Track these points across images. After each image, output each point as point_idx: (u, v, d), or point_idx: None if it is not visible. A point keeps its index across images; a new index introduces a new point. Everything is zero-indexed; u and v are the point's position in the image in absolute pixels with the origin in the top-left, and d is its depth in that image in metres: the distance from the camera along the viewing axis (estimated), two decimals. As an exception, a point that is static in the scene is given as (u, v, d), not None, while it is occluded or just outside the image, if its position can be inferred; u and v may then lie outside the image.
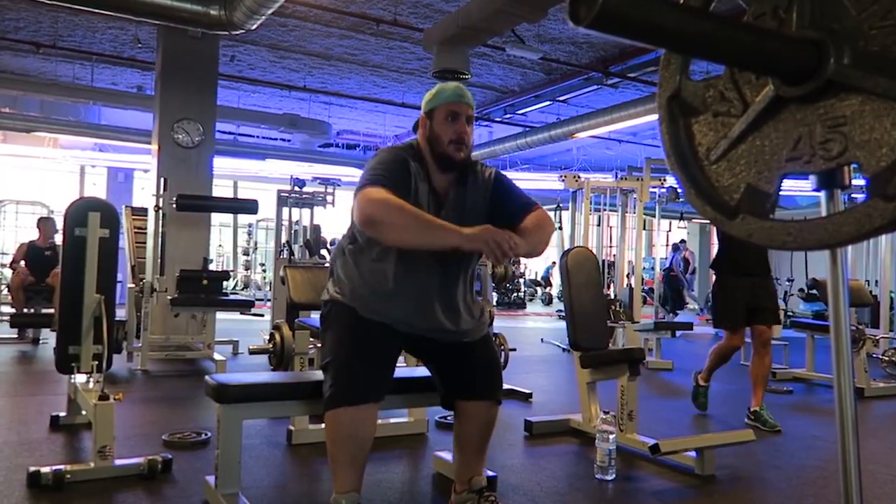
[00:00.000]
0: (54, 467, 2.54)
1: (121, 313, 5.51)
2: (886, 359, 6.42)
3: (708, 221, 1.18)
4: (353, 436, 2.04)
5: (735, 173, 1.05)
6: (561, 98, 9.79)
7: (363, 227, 2.06)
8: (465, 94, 2.22)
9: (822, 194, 1.02)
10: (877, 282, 9.28)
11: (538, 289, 17.48)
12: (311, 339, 3.65)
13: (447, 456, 2.85)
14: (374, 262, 2.18)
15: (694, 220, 14.97)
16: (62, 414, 3.41)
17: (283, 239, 7.52)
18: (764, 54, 0.93)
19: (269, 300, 9.05)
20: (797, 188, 10.78)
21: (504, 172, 2.37)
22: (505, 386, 4.58)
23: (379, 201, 1.99)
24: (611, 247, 9.26)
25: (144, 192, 11.52)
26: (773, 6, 1.01)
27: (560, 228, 13.87)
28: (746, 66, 1.01)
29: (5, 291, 8.00)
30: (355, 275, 2.20)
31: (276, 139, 12.79)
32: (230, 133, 12.22)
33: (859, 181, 0.96)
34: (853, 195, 6.43)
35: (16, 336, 6.57)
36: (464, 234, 1.92)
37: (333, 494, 2.09)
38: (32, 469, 2.52)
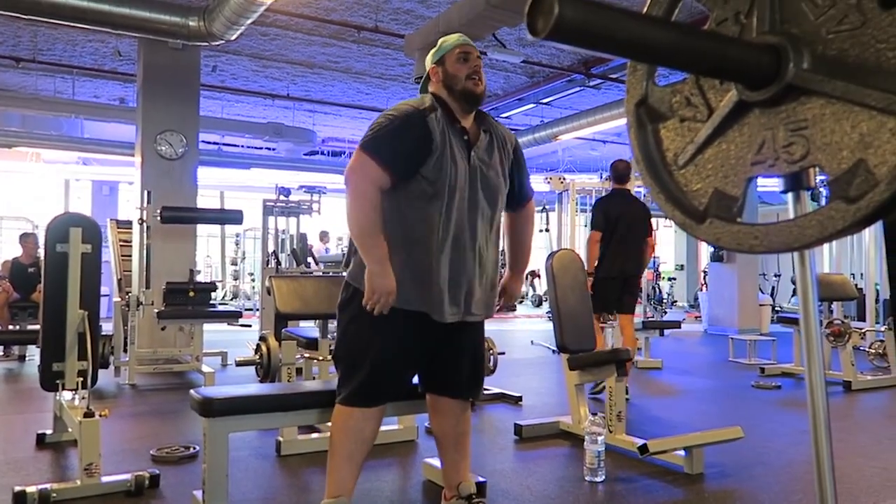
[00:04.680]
0: (40, 486, 2.52)
1: (107, 327, 5.48)
2: (873, 351, 6.47)
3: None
4: (360, 431, 2.13)
5: (702, 178, 1.06)
6: (544, 100, 9.84)
7: (345, 180, 2.06)
8: (469, 39, 2.26)
9: (788, 196, 1.03)
10: (862, 275, 9.35)
11: (529, 289, 17.46)
12: (299, 350, 3.64)
13: (436, 463, 2.84)
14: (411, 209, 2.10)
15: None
16: (48, 432, 3.38)
17: (270, 248, 7.50)
18: (725, 61, 0.94)
19: (258, 310, 9.02)
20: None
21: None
22: (495, 390, 4.65)
23: (361, 193, 2.03)
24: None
25: (130, 204, 11.45)
26: (735, 11, 1.02)
27: (546, 230, 13.89)
28: (709, 72, 1.01)
29: (-10, 308, 7.92)
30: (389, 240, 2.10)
31: (260, 148, 12.75)
32: (214, 143, 12.17)
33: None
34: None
35: (1, 353, 6.52)
36: (372, 269, 2.02)
37: (324, 500, 2.09)
38: (18, 489, 2.50)
